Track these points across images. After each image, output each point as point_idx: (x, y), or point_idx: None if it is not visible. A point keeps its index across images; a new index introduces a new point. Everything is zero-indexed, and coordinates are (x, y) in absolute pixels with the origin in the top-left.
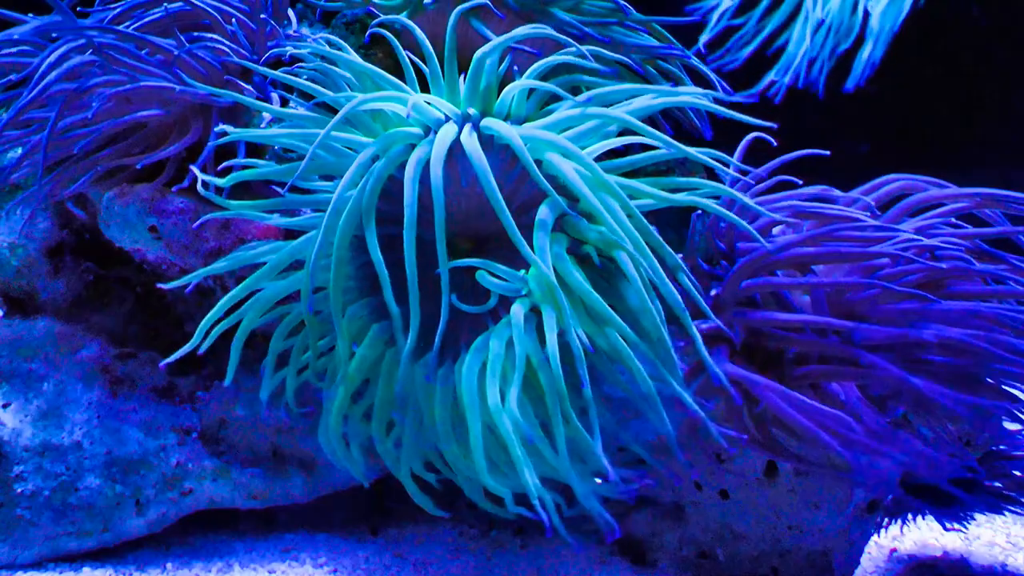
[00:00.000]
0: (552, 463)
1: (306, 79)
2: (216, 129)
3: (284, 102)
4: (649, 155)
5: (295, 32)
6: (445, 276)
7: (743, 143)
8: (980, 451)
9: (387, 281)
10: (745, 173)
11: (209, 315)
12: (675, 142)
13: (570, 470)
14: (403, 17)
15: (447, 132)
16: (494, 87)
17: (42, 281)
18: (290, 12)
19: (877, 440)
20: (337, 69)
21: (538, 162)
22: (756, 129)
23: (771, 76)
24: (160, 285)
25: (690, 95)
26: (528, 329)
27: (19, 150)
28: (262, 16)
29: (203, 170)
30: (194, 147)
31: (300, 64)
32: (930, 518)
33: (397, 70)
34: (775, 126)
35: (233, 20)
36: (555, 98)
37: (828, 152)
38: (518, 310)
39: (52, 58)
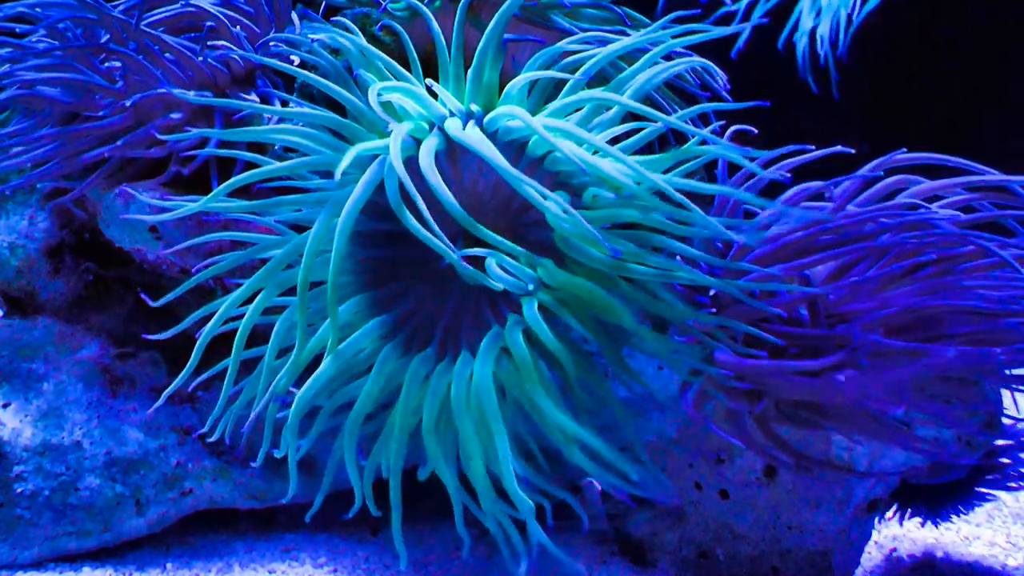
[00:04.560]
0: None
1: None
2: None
3: (284, 104)
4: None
5: (299, 33)
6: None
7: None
8: (980, 450)
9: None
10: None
11: (212, 322)
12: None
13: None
14: (425, 7)
15: (452, 125)
16: (495, 83)
17: (42, 281)
18: (292, 15)
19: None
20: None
21: (542, 158)
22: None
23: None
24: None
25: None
26: (543, 324)
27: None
28: (264, 9)
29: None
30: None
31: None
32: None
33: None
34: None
35: (237, 25)
36: (554, 97)
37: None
38: (529, 307)
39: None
